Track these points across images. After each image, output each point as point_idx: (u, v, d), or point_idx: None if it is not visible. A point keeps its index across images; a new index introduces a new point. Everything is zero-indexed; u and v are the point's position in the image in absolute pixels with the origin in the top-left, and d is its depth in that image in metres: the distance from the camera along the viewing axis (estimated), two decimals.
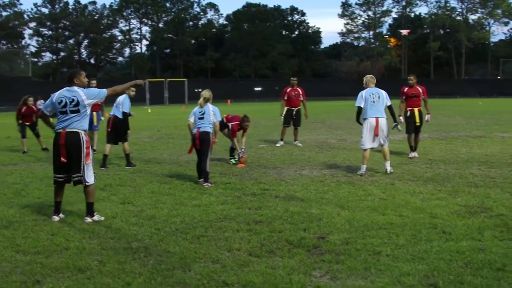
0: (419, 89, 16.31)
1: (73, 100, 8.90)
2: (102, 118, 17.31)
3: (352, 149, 18.45)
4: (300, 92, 20.31)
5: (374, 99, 13.24)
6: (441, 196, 10.47)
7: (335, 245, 7.44)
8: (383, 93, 13.45)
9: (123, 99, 15.14)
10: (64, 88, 9.12)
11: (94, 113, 17.90)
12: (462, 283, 6.00)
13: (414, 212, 9.17)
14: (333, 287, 5.99)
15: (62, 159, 8.82)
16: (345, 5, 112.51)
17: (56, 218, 8.99)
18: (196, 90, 70.79)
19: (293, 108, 20.22)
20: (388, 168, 13.29)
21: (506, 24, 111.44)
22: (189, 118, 12.92)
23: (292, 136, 20.32)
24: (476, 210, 9.32)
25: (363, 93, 13.49)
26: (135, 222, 8.82)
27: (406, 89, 16.16)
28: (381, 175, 13.00)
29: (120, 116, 15.14)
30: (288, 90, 20.25)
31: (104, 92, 9.29)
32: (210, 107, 12.67)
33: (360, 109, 13.57)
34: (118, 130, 15.21)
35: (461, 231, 8.00)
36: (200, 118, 12.57)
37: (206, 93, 12.89)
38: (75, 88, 9.08)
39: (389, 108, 13.53)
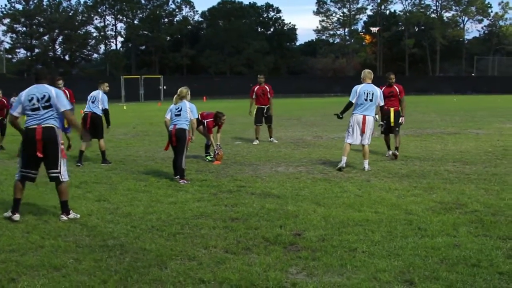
0: (397, 88, 16.20)
1: (44, 96, 8.79)
2: None
3: (327, 146, 18.52)
4: (268, 90, 20.17)
5: (368, 97, 13.24)
6: (417, 193, 10.54)
7: (311, 241, 7.47)
8: (378, 92, 13.43)
9: (101, 96, 15.20)
10: (32, 86, 9.02)
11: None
12: (437, 279, 6.05)
13: (389, 209, 9.23)
14: (310, 284, 6.00)
15: (39, 154, 8.74)
16: (320, 2, 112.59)
17: (17, 217, 8.81)
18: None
19: (263, 106, 20.12)
20: (367, 167, 13.33)
21: (480, 21, 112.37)
22: (165, 115, 12.88)
23: (266, 133, 20.32)
24: (451, 206, 9.40)
25: (358, 88, 13.51)
26: (111, 220, 8.79)
27: (383, 88, 15.93)
28: (357, 171, 13.06)
29: (99, 112, 15.11)
30: (256, 88, 20.16)
31: (68, 106, 9.08)
32: (187, 104, 12.64)
33: (351, 104, 13.61)
34: (96, 126, 15.10)
35: (436, 227, 8.07)
36: (176, 115, 12.55)
37: (182, 90, 12.87)
38: (46, 85, 8.98)
39: (381, 108, 13.59)
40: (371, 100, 13.22)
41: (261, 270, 6.37)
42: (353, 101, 13.40)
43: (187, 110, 12.57)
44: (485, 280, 6.04)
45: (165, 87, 70.10)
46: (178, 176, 12.21)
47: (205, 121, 15.48)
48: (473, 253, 6.87)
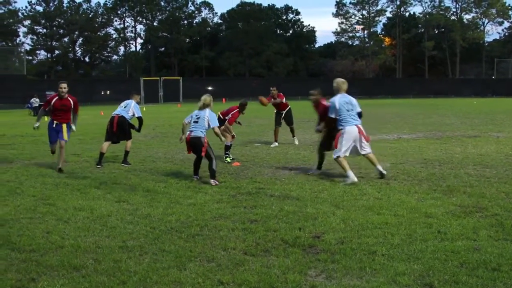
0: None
1: None
2: (73, 127, 14.91)
3: None
4: (281, 100, 20.28)
5: (348, 108, 12.66)
6: (436, 196, 10.47)
7: (331, 244, 7.44)
8: (354, 100, 12.91)
9: (133, 105, 15.60)
10: None
11: (64, 125, 14.58)
12: (457, 283, 6.00)
13: (409, 212, 9.18)
14: (328, 286, 5.99)
15: None
16: (340, 4, 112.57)
17: None
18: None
19: (282, 112, 20.41)
20: (383, 171, 12.70)
21: (500, 23, 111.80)
22: (185, 118, 12.96)
23: (285, 135, 20.37)
24: (471, 209, 9.33)
25: (335, 102, 12.69)
26: (131, 221, 8.82)
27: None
28: (376, 174, 13.00)
29: (127, 117, 15.43)
30: (272, 101, 20.26)
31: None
32: (207, 112, 12.73)
33: (333, 120, 12.73)
34: (123, 129, 15.39)
35: (456, 230, 8.01)
36: (194, 122, 12.66)
37: (206, 98, 12.94)
38: None
39: (359, 114, 12.94)
40: (352, 110, 12.70)
41: (280, 272, 6.36)
42: (334, 116, 12.71)
43: (205, 118, 12.62)
44: (506, 285, 5.99)
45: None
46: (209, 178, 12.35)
47: (226, 118, 15.58)
48: (494, 257, 6.81)
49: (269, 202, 10.10)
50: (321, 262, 6.71)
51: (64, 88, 14.58)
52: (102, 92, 66.85)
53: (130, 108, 15.49)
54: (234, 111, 15.74)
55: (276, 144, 19.84)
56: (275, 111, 20.50)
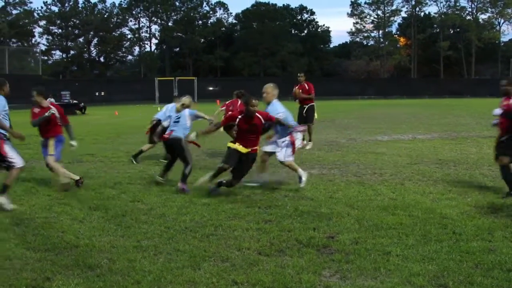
0: None
1: None
2: (73, 143, 12.62)
3: (361, 149, 18.41)
4: (307, 87, 19.72)
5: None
6: (451, 196, 10.44)
7: (345, 244, 7.44)
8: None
9: (171, 107, 15.64)
10: None
11: (50, 140, 12.12)
12: (472, 284, 5.99)
13: (424, 212, 9.15)
14: (343, 287, 5.99)
15: None
16: (355, 4, 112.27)
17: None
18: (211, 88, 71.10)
19: (304, 106, 19.77)
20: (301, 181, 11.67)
21: None
22: (163, 122, 12.89)
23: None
24: (486, 210, 9.29)
25: (283, 109, 11.74)
26: (145, 220, 8.84)
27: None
28: (391, 174, 12.95)
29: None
30: (295, 88, 19.86)
31: None
32: (187, 112, 12.32)
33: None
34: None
35: (471, 231, 7.99)
36: (175, 122, 12.22)
37: (186, 100, 12.55)
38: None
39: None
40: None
41: (294, 272, 6.36)
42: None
43: (187, 118, 12.20)
44: None
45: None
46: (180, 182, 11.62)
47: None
48: (509, 258, 6.78)
49: (283, 202, 10.10)
50: (335, 263, 6.71)
51: (33, 96, 11.98)
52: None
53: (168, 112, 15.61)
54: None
55: (311, 144, 19.33)
56: (298, 106, 20.06)
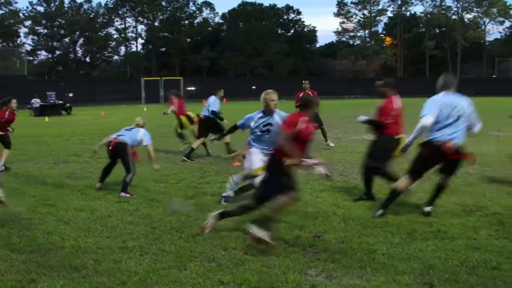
0: None
1: None
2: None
3: (347, 148, 18.46)
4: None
5: None
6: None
7: (331, 244, 7.46)
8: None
9: (213, 100, 16.60)
10: None
11: None
12: (457, 282, 6.02)
13: (409, 211, 9.19)
14: (329, 286, 6.00)
15: None
16: (341, 4, 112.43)
17: None
18: (188, 88, 70.82)
19: None
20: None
21: (501, 23, 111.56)
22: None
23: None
24: (471, 209, 9.35)
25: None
26: (131, 221, 8.83)
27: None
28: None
29: (208, 115, 16.59)
30: (301, 95, 19.81)
31: None
32: (142, 130, 11.80)
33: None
34: (204, 126, 16.69)
35: (456, 229, 8.03)
36: (126, 130, 11.83)
37: (139, 120, 12.07)
38: None
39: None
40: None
41: (280, 272, 6.37)
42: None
43: (140, 133, 11.67)
44: (506, 283, 6.00)
45: (191, 89, 70.57)
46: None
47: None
48: (494, 255, 6.83)
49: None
50: (321, 262, 6.73)
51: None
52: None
53: (209, 105, 16.68)
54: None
55: (332, 144, 19.26)
56: None
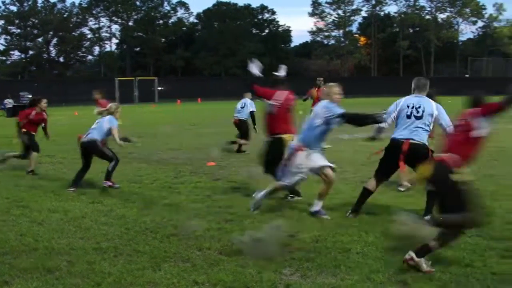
0: None
1: None
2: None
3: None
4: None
5: None
6: (411, 194, 10.56)
7: (305, 243, 7.48)
8: None
9: (249, 102, 17.49)
10: None
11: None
12: (431, 280, 6.07)
13: (383, 210, 9.25)
14: (303, 285, 6.02)
15: None
16: (315, 4, 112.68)
17: None
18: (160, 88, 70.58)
19: None
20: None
21: (474, 23, 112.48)
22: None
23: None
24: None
25: None
26: (105, 222, 8.79)
27: None
28: (351, 173, 13.04)
29: (243, 117, 17.87)
30: (316, 90, 19.83)
31: None
32: (107, 117, 11.92)
33: None
34: (240, 128, 17.82)
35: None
36: (93, 128, 11.92)
37: (112, 106, 12.25)
38: None
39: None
40: None
41: (255, 271, 6.37)
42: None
43: (105, 122, 11.80)
44: (479, 281, 6.06)
45: (161, 88, 70.29)
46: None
47: None
48: (467, 253, 6.89)
49: (244, 201, 10.08)
50: (296, 261, 6.74)
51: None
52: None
53: (247, 107, 17.81)
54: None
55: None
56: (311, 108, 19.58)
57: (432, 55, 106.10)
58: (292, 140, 9.61)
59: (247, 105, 17.89)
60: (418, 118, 8.80)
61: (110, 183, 11.36)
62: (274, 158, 10.10)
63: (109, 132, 11.73)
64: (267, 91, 10.43)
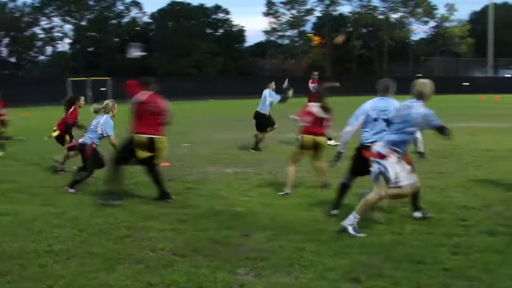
0: None
1: None
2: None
3: (276, 147, 18.56)
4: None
5: None
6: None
7: (260, 242, 7.50)
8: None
9: (269, 92, 17.93)
10: None
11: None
12: (382, 277, 6.13)
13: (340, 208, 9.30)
14: (258, 285, 6.03)
15: None
16: (270, 4, 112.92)
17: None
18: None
19: None
20: None
21: (426, 23, 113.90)
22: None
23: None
24: (397, 204, 9.50)
25: None
26: (57, 224, 8.68)
27: None
28: (306, 172, 13.09)
29: (262, 111, 18.16)
30: (315, 83, 20.45)
31: None
32: (102, 119, 11.84)
33: None
34: (258, 121, 18.15)
35: (382, 226, 8.17)
36: (88, 129, 12.02)
37: (108, 103, 12.23)
38: None
39: None
40: None
41: (209, 272, 6.37)
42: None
43: (98, 126, 11.75)
44: (430, 277, 6.14)
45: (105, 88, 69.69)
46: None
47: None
48: (418, 250, 6.99)
49: (198, 202, 10.10)
50: (250, 261, 6.75)
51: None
52: None
53: (266, 99, 18.13)
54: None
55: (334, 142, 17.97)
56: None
57: (385, 55, 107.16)
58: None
59: (266, 96, 18.23)
60: (384, 121, 8.76)
61: (72, 190, 11.21)
62: (124, 155, 10.46)
63: (102, 136, 11.74)
64: (133, 89, 10.47)
